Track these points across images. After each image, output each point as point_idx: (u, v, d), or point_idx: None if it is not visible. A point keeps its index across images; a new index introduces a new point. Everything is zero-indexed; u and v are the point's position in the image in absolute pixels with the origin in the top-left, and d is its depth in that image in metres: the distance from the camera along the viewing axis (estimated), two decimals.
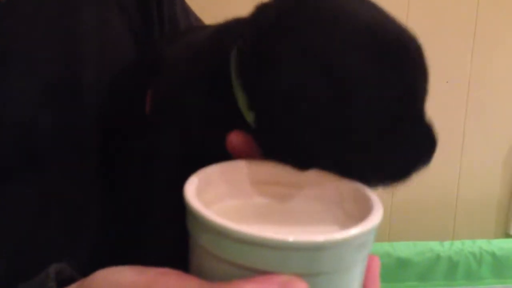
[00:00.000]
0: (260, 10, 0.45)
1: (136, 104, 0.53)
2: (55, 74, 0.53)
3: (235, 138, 0.45)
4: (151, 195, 0.51)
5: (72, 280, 0.41)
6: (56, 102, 0.53)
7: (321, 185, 0.45)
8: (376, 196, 0.42)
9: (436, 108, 1.74)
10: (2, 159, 0.49)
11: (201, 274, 0.37)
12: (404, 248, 1.59)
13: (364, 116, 0.42)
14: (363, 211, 0.41)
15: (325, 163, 0.43)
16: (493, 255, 1.60)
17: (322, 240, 0.35)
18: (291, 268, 0.35)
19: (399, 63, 0.43)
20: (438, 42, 1.70)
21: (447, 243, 1.62)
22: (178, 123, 0.49)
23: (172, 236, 0.49)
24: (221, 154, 0.46)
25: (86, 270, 0.43)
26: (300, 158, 0.44)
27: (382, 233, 1.75)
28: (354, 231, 0.36)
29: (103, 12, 0.59)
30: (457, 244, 1.62)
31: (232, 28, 0.48)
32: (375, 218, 0.39)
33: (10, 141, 0.50)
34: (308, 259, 0.35)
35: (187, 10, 0.70)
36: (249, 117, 0.44)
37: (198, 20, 0.71)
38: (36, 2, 0.53)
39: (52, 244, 0.52)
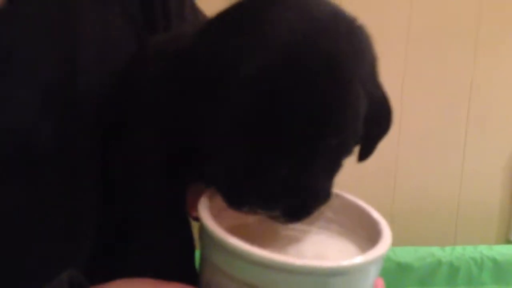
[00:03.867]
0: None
1: (130, 103, 0.53)
2: (54, 79, 0.52)
3: None
4: (135, 204, 0.51)
5: (83, 287, 0.41)
6: (56, 109, 0.52)
7: (332, 208, 0.46)
8: (385, 222, 0.42)
9: (438, 115, 1.74)
10: (2, 164, 0.49)
11: None
12: (405, 253, 1.59)
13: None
14: (372, 235, 0.41)
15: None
16: (494, 260, 1.60)
17: (331, 267, 0.36)
18: None
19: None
20: (440, 49, 1.70)
21: (448, 248, 1.62)
22: (153, 124, 0.50)
23: (161, 244, 0.50)
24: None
25: (84, 275, 0.43)
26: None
27: None
28: (363, 258, 0.37)
29: (105, 14, 0.58)
30: (458, 249, 1.62)
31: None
32: (383, 246, 0.39)
33: (10, 147, 0.49)
34: (315, 284, 0.35)
35: (196, 10, 0.69)
36: None
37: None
38: (36, 6, 0.52)
39: (49, 251, 0.51)
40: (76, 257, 0.53)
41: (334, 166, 0.44)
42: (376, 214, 0.44)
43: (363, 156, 0.49)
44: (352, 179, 1.50)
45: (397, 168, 1.76)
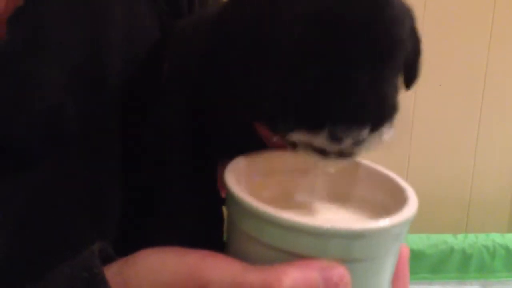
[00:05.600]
0: None
1: (155, 83, 0.54)
2: (81, 59, 0.53)
3: None
4: (164, 175, 0.52)
5: (111, 259, 0.42)
6: (82, 87, 0.53)
7: (355, 175, 0.47)
8: (410, 188, 0.43)
9: (452, 102, 1.74)
10: (28, 144, 0.50)
11: (241, 257, 0.38)
12: (417, 240, 1.60)
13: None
14: (398, 202, 0.42)
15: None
16: (506, 248, 1.61)
17: (358, 229, 0.36)
18: (329, 253, 0.36)
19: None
20: (454, 39, 1.70)
21: (460, 236, 1.62)
22: (185, 92, 0.50)
23: (190, 215, 0.51)
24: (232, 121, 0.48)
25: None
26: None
27: None
28: (389, 221, 0.38)
29: (132, 1, 0.59)
30: (471, 237, 1.62)
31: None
32: (410, 210, 0.40)
33: (37, 126, 0.50)
34: (345, 246, 0.36)
35: None
36: None
37: None
38: None
39: (76, 228, 0.53)
40: (104, 234, 0.54)
41: (395, 84, 0.44)
42: (401, 181, 0.44)
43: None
44: None
45: (410, 156, 1.76)
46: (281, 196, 0.46)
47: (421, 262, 1.60)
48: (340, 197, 0.47)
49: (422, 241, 1.60)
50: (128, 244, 0.43)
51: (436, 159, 1.79)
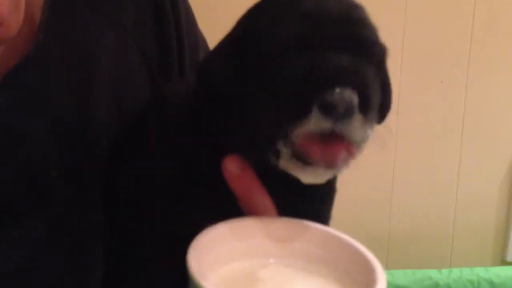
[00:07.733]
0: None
1: (142, 144, 0.55)
2: (66, 116, 0.54)
3: (229, 164, 0.46)
4: (144, 235, 0.52)
5: None
6: (67, 141, 0.54)
7: (327, 246, 0.45)
8: (380, 266, 0.42)
9: (433, 138, 1.74)
10: (12, 198, 0.50)
11: None
12: (402, 276, 1.59)
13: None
14: (367, 281, 0.41)
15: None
16: (490, 282, 1.61)
17: None
18: None
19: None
20: (432, 68, 1.72)
21: (445, 271, 1.63)
22: (171, 153, 0.51)
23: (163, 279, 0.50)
24: (215, 182, 0.47)
25: None
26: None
27: (380, 262, 1.74)
28: None
29: (123, 57, 0.60)
30: (456, 272, 1.63)
31: None
32: None
33: (21, 180, 0.51)
34: None
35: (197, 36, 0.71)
36: None
37: (204, 41, 0.72)
38: (60, 52, 0.54)
39: (61, 280, 0.53)
40: (88, 285, 0.54)
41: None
42: (372, 258, 0.43)
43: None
44: (349, 204, 1.52)
45: (393, 192, 1.77)
46: (249, 268, 0.45)
47: None
48: (315, 270, 0.46)
49: (407, 277, 1.60)
50: None
51: (418, 194, 1.80)
